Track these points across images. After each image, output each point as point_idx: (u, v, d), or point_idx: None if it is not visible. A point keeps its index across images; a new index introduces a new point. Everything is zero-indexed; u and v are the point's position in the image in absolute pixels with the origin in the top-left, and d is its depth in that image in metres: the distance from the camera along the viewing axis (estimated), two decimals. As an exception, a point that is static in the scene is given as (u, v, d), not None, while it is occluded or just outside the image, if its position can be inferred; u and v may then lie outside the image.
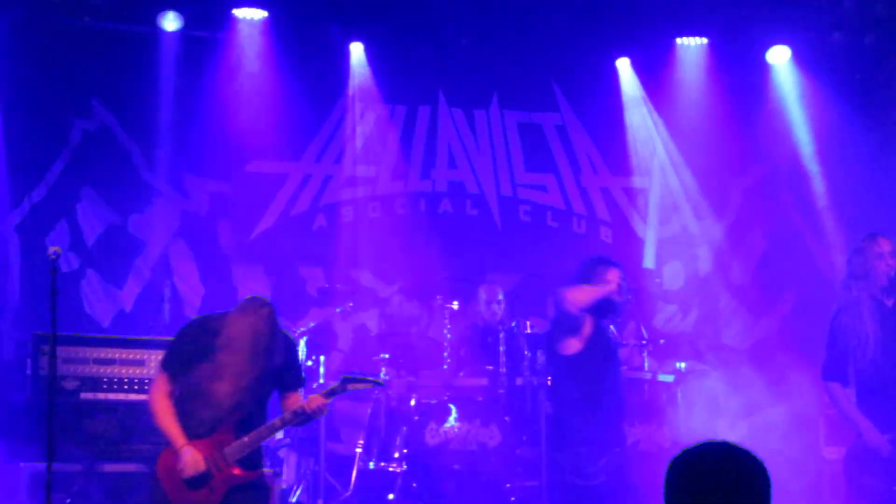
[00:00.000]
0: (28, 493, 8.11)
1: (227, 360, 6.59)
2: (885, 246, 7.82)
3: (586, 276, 8.67)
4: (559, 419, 8.73)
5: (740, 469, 3.23)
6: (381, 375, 10.05)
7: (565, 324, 8.56)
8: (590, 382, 8.44)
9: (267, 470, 9.06)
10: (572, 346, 8.48)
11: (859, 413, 7.68)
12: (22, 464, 8.37)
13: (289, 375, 6.90)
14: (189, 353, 6.72)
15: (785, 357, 11.06)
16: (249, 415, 6.69)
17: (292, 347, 7.11)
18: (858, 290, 7.78)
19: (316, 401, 6.69)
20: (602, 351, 8.60)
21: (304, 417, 6.76)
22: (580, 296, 8.53)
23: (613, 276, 8.67)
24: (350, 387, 6.95)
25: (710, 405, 10.86)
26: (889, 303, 7.79)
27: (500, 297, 10.84)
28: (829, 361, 7.84)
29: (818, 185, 12.45)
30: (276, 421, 6.77)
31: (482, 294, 10.88)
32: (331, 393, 6.89)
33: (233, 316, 6.75)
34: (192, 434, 6.60)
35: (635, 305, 11.18)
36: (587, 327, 8.48)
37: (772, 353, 11.85)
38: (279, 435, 7.13)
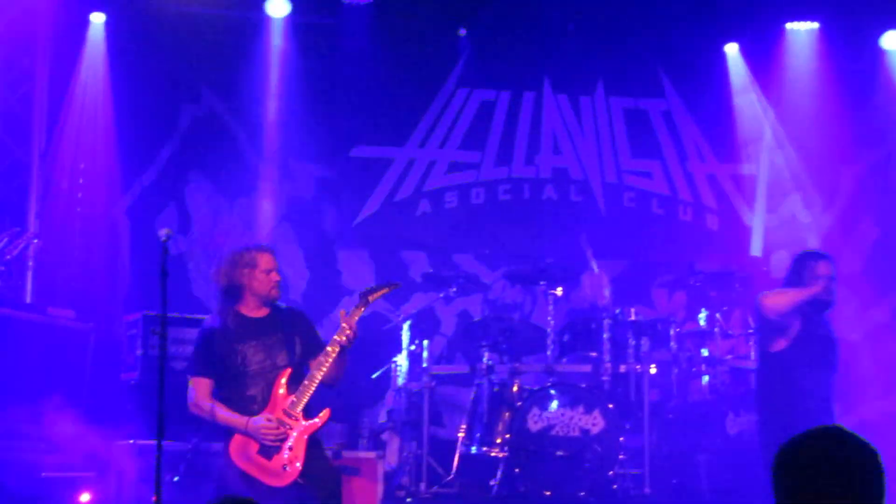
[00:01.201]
0: (137, 469, 8.25)
1: (251, 333, 6.99)
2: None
3: (797, 272, 8.64)
4: (763, 416, 8.76)
5: (853, 456, 3.15)
6: (485, 361, 10.04)
7: (770, 326, 8.58)
8: (796, 379, 8.42)
9: (369, 453, 9.14)
10: (779, 344, 8.50)
11: None
12: (132, 441, 8.52)
13: (311, 341, 7.11)
14: (212, 348, 7.00)
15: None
16: (293, 375, 6.95)
17: (306, 316, 7.33)
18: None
19: (346, 327, 6.89)
20: (812, 347, 8.55)
21: (345, 345, 6.94)
22: (781, 300, 8.51)
23: (824, 269, 8.55)
24: (371, 298, 7.11)
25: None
26: None
27: (607, 286, 10.76)
28: None
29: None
30: (320, 359, 6.95)
31: (587, 281, 10.81)
32: (355, 312, 7.03)
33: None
34: (245, 413, 6.87)
35: (743, 294, 11.05)
36: (794, 327, 8.46)
37: (882, 343, 11.65)
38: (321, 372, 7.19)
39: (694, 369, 10.30)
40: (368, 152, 12.33)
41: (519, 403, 9.61)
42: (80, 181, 11.31)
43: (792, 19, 12.16)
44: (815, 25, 12.11)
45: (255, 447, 6.83)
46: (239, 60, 11.70)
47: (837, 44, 12.07)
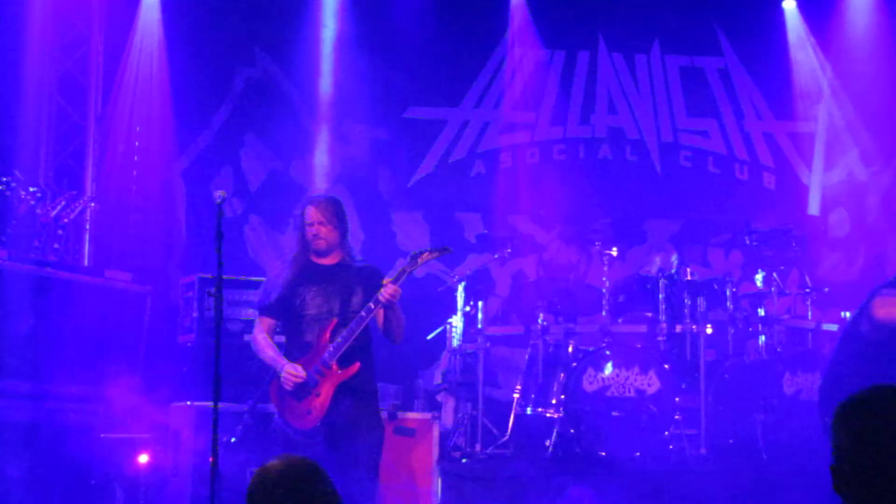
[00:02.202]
0: (194, 431, 8.32)
1: (312, 281, 7.18)
2: None
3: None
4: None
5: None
6: (539, 321, 10.03)
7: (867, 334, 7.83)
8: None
9: (425, 414, 9.16)
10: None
11: None
12: (189, 402, 8.60)
13: (371, 296, 7.09)
14: (277, 289, 7.23)
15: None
16: (341, 324, 7.07)
17: (377, 272, 7.34)
18: None
19: (387, 289, 6.97)
20: None
21: (382, 306, 7.01)
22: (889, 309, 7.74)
23: None
24: (420, 260, 7.17)
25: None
26: None
27: (675, 260, 10.63)
28: None
29: None
30: (361, 314, 7.02)
31: (657, 260, 10.71)
32: (401, 274, 7.09)
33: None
34: (298, 356, 7.10)
35: (800, 253, 10.95)
36: None
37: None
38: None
39: (750, 329, 10.23)
40: (422, 113, 12.32)
41: (574, 364, 9.60)
42: (136, 144, 11.38)
43: (851, -25, 11.98)
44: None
45: (288, 388, 7.07)
46: (292, 22, 11.71)
47: (896, 2, 11.90)
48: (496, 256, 10.98)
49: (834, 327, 10.39)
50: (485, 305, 10.43)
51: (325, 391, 7.00)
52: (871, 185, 12.41)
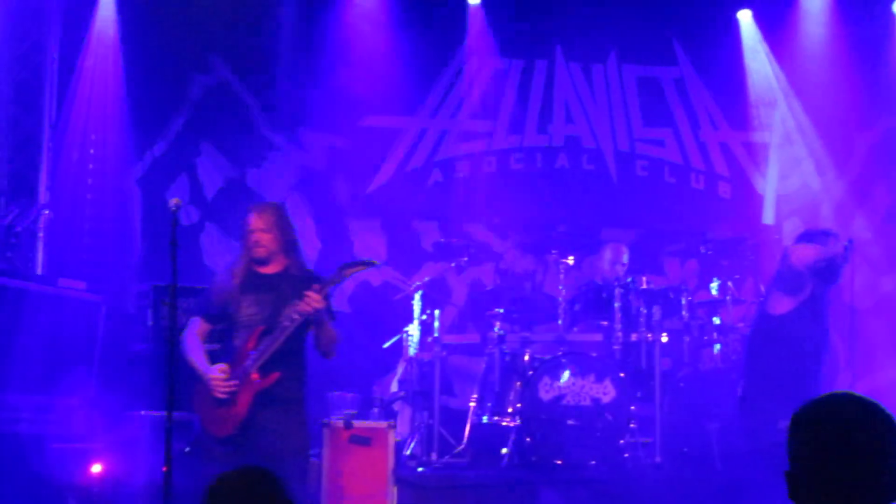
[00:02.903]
0: (149, 440, 8.28)
1: (246, 287, 7.10)
2: None
3: (811, 238, 9.00)
4: (754, 380, 8.85)
5: (867, 420, 3.12)
6: (496, 330, 10.05)
7: (785, 280, 8.83)
8: (792, 345, 8.54)
9: (381, 423, 9.14)
10: (784, 305, 8.63)
11: None
12: (143, 412, 8.55)
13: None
14: (215, 294, 7.22)
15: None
16: (267, 331, 6.99)
17: (314, 280, 7.17)
18: None
19: (311, 295, 6.86)
20: (813, 317, 8.74)
21: (308, 315, 6.92)
22: (810, 251, 8.82)
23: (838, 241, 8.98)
24: (347, 272, 7.04)
25: (829, 363, 10.68)
26: None
27: (626, 257, 10.73)
28: None
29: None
30: (283, 323, 6.94)
31: (608, 253, 10.77)
32: (328, 284, 7.00)
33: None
34: (227, 362, 7.01)
35: (755, 262, 11.02)
36: (806, 290, 8.53)
37: (894, 311, 11.61)
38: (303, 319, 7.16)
39: (705, 338, 10.30)
40: (380, 121, 12.31)
41: (530, 373, 9.62)
42: (91, 152, 11.30)
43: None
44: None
45: (209, 393, 6.98)
46: (249, 30, 11.67)
47: (851, 9, 12.00)
48: (453, 265, 10.99)
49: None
50: (441, 314, 10.43)
51: (243, 399, 6.91)
52: (825, 195, 12.51)
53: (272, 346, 6.93)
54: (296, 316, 6.91)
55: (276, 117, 11.94)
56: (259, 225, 7.16)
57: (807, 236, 9.28)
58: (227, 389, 6.90)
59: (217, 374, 6.91)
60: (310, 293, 6.89)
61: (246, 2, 11.61)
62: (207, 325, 7.26)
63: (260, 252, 7.15)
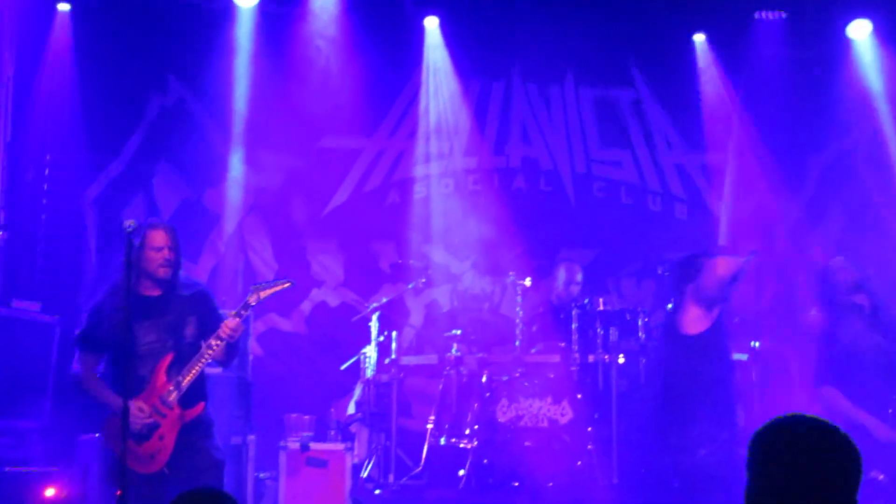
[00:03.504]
0: (103, 464, 8.20)
1: (142, 313, 6.76)
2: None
3: (691, 268, 8.82)
4: (669, 401, 8.75)
5: (826, 441, 3.17)
6: (453, 351, 10.05)
7: (704, 295, 8.65)
8: (712, 365, 8.46)
9: (338, 445, 9.11)
10: (702, 322, 8.49)
11: (864, 412, 7.69)
12: (97, 434, 8.47)
13: (208, 322, 6.91)
14: (103, 324, 6.78)
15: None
16: (178, 360, 6.78)
17: (207, 295, 7.11)
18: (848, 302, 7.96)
19: (229, 322, 6.73)
20: (722, 335, 8.64)
21: (224, 342, 6.75)
22: (733, 262, 8.69)
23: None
24: (262, 294, 6.88)
25: (784, 384, 10.74)
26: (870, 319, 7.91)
27: (579, 277, 10.76)
28: (823, 367, 7.94)
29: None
30: (203, 351, 6.76)
31: (561, 273, 10.80)
32: (244, 308, 6.84)
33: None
34: (130, 393, 6.56)
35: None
36: (720, 305, 8.59)
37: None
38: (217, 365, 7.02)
39: (662, 359, 10.32)
40: (337, 143, 12.31)
41: (488, 394, 9.63)
42: (46, 173, 11.22)
43: (760, 9, 12.15)
44: (783, 14, 12.12)
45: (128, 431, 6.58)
46: (206, 50, 11.61)
47: (805, 33, 12.09)
48: (410, 286, 10.99)
49: (744, 357, 10.53)
50: (399, 335, 10.43)
51: (169, 433, 6.68)
52: (780, 217, 12.60)
53: (191, 376, 6.73)
54: (215, 344, 6.74)
55: (233, 137, 11.88)
56: (168, 242, 6.90)
57: (717, 251, 9.17)
58: (148, 423, 6.64)
59: (136, 413, 6.60)
60: (228, 321, 6.73)
61: (203, 20, 11.56)
62: (95, 355, 6.89)
63: (167, 272, 6.88)
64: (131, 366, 6.68)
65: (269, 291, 6.96)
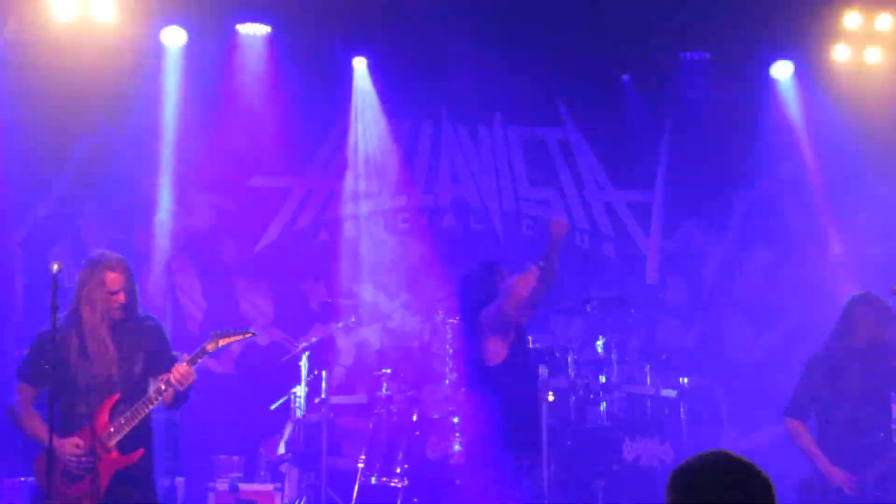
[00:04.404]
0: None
1: (89, 348, 6.61)
2: (869, 314, 7.90)
3: (491, 279, 8.38)
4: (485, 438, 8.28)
5: (741, 480, 3.19)
6: (383, 391, 10.05)
7: (498, 322, 7.98)
8: (516, 393, 8.09)
9: (268, 486, 9.06)
10: (501, 351, 8.08)
11: (820, 453, 7.78)
12: (23, 478, 8.38)
13: (158, 358, 6.78)
14: (45, 357, 6.59)
15: (789, 372, 11.04)
16: (124, 400, 6.61)
17: (159, 330, 6.95)
18: (840, 345, 7.93)
19: (180, 369, 6.56)
20: (525, 358, 8.28)
21: (173, 389, 6.59)
22: (528, 279, 8.02)
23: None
24: (221, 342, 6.76)
25: (713, 420, 10.84)
26: (864, 362, 7.88)
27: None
28: (796, 400, 7.99)
29: (822, 199, 12.46)
30: (150, 395, 6.62)
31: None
32: (200, 353, 6.67)
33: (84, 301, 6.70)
34: (69, 430, 6.53)
35: (638, 321, 11.17)
36: (511, 335, 8.08)
37: (776, 369, 11.81)
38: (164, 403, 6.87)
39: (591, 396, 10.37)
40: (267, 182, 12.29)
41: (418, 433, 9.62)
42: (-28, 214, 11.11)
43: (685, 50, 12.33)
44: (707, 56, 12.30)
45: (59, 468, 6.47)
46: (134, 90, 11.53)
47: (729, 73, 12.26)
48: (340, 325, 10.98)
49: (673, 393, 10.61)
50: (329, 374, 10.40)
51: (102, 477, 6.49)
52: (707, 254, 12.73)
53: (135, 420, 6.56)
54: (164, 389, 6.59)
55: (162, 177, 11.81)
56: (125, 285, 6.73)
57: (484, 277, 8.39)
58: (84, 463, 6.49)
59: (73, 449, 6.48)
60: (178, 366, 6.57)
61: (131, 62, 11.49)
62: (34, 389, 6.75)
63: (121, 315, 6.72)
64: (72, 402, 6.57)
65: (229, 340, 6.83)
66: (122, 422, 6.56)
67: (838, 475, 7.67)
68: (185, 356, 6.66)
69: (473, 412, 8.30)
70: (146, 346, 6.77)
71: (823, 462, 7.74)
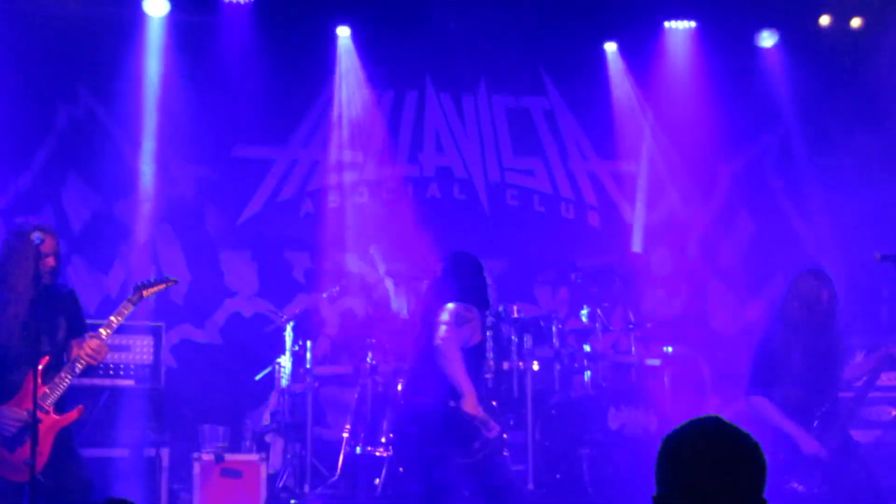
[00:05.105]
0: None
1: (20, 313, 6.64)
2: (804, 286, 7.82)
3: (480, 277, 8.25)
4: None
5: (733, 445, 3.17)
6: (368, 360, 10.04)
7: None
8: (480, 374, 7.99)
9: (253, 456, 9.05)
10: (476, 335, 7.90)
11: (791, 422, 7.63)
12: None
13: (76, 323, 6.90)
14: None
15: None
16: (53, 365, 6.69)
17: (74, 295, 7.03)
18: (793, 318, 7.82)
19: (91, 344, 6.68)
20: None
21: (85, 363, 6.70)
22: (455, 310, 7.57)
23: None
24: (145, 293, 6.90)
25: (697, 389, 10.87)
26: (819, 334, 7.79)
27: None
28: (756, 376, 7.85)
29: (806, 169, 12.48)
30: (72, 365, 6.70)
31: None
32: (123, 308, 6.82)
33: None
34: (5, 397, 6.59)
35: (623, 290, 11.17)
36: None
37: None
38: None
39: (576, 365, 10.41)
40: (250, 152, 12.23)
41: (403, 402, 9.60)
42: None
43: (670, 18, 12.31)
44: (693, 24, 12.28)
45: None
46: (117, 60, 11.49)
47: (714, 42, 12.24)
48: (325, 295, 10.96)
49: (657, 362, 10.64)
50: (313, 345, 10.38)
51: (44, 439, 6.46)
52: (691, 224, 12.73)
53: (67, 379, 6.65)
54: (79, 365, 6.68)
55: (144, 147, 11.74)
56: (54, 249, 6.82)
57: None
58: (21, 430, 6.49)
59: (9, 414, 6.51)
60: (88, 342, 6.70)
61: (113, 30, 11.42)
62: None
63: (49, 279, 6.79)
64: (4, 369, 6.62)
65: (152, 290, 6.98)
66: (56, 382, 6.63)
67: (813, 444, 7.61)
68: (106, 325, 6.77)
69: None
70: (65, 310, 6.85)
71: (797, 431, 7.63)
